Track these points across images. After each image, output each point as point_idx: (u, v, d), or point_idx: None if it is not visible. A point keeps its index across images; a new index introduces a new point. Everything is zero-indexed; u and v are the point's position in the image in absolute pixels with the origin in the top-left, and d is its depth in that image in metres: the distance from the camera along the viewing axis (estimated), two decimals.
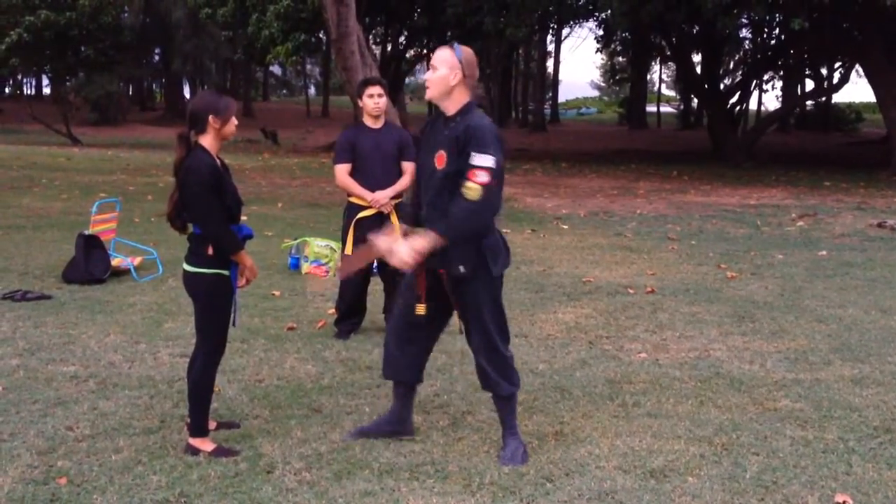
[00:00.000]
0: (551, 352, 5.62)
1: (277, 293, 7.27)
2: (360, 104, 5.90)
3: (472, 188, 3.53)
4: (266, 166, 22.56)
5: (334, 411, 4.42)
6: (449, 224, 3.58)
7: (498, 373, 3.84)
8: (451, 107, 3.74)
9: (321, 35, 26.48)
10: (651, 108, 57.11)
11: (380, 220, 5.62)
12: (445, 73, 3.69)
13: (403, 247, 3.63)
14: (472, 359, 5.37)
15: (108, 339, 5.69)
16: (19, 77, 56.89)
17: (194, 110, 3.82)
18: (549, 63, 54.83)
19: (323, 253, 8.23)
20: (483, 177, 3.53)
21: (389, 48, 35.23)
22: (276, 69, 67.44)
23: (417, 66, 45.92)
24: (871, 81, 22.62)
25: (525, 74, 56.09)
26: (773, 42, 30.50)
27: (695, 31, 28.74)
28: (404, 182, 5.83)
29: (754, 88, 38.69)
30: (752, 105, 45.06)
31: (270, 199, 14.89)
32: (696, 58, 33.76)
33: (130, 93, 55.64)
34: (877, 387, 4.89)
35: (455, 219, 3.58)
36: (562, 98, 68.84)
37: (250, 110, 47.46)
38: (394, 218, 5.68)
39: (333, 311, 6.21)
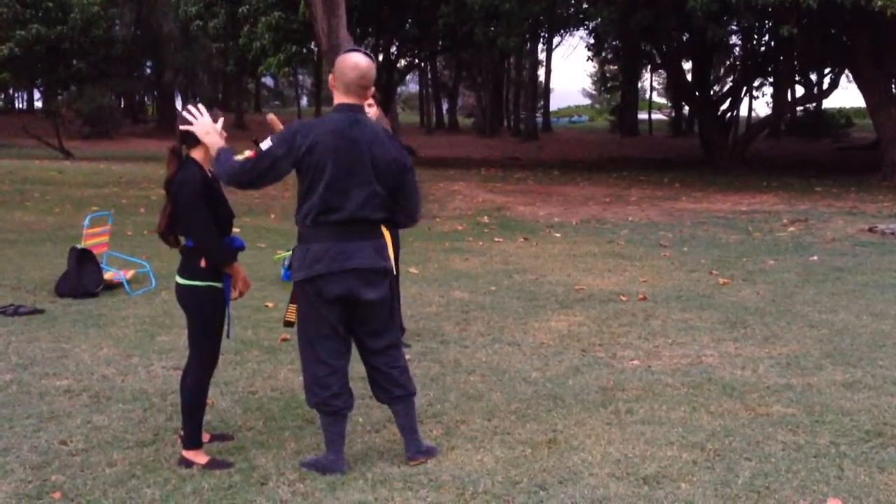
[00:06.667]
0: (544, 360, 5.63)
1: (271, 304, 7.27)
2: None
3: None
4: None
5: None
6: None
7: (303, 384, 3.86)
8: None
9: (312, 46, 26.50)
10: (642, 116, 57.27)
11: None
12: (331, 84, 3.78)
13: None
14: (465, 368, 5.44)
15: (101, 353, 5.69)
16: (10, 91, 56.87)
17: (184, 124, 3.84)
18: (541, 72, 55.01)
19: None
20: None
21: (381, 58, 35.29)
22: (268, 80, 67.54)
23: (408, 76, 45.95)
24: (860, 87, 22.72)
25: (516, 83, 56.23)
26: (762, 49, 30.63)
27: (685, 38, 28.86)
28: None
29: (745, 95, 38.82)
30: (743, 111, 45.28)
31: (263, 210, 14.90)
32: (687, 65, 33.90)
33: (122, 105, 55.54)
34: (868, 391, 4.92)
35: None
36: (553, 106, 69.10)
37: (243, 122, 47.41)
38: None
39: None
